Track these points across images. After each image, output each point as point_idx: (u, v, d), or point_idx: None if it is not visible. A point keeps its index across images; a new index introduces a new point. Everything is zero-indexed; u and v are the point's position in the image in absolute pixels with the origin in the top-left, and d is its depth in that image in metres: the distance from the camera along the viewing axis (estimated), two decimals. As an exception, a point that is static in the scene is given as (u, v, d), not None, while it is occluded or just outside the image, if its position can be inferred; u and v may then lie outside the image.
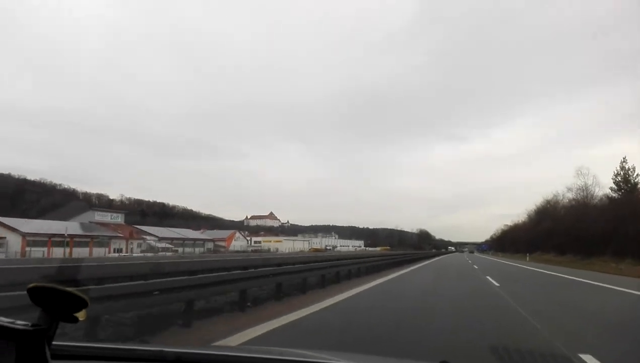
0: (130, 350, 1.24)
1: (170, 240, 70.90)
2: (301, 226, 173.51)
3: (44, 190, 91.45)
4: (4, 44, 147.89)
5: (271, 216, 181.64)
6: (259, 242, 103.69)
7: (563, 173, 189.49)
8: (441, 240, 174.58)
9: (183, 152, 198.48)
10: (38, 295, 0.77)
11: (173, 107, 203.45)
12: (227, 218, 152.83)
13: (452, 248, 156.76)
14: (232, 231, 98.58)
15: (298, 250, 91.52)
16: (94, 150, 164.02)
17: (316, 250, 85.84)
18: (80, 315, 0.81)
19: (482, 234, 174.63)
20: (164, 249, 61.55)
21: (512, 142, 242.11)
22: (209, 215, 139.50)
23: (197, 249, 72.36)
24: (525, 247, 63.23)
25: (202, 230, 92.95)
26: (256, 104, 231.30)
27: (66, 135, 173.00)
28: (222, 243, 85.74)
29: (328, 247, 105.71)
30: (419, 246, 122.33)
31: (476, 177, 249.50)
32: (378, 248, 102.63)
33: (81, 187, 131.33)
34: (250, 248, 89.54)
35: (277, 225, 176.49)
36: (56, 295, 0.77)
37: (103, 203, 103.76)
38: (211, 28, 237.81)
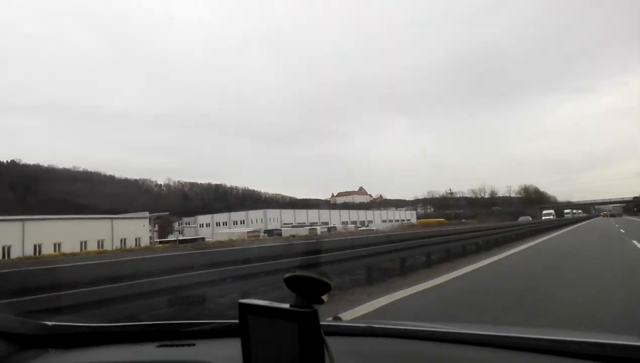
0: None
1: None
2: (395, 200, 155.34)
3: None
4: (124, 57, 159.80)
5: (361, 191, 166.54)
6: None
7: None
8: (568, 202, 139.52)
9: (290, 140, 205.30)
10: (292, 283, 0.88)
11: (278, 100, 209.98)
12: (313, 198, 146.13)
13: (575, 211, 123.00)
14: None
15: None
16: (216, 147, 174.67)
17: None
18: (325, 297, 0.89)
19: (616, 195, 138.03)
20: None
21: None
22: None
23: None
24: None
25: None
26: (358, 84, 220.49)
27: (187, 134, 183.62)
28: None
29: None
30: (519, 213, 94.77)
31: (607, 133, 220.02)
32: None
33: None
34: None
35: (368, 200, 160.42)
36: (305, 282, 0.87)
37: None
38: (302, 18, 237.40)
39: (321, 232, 56.82)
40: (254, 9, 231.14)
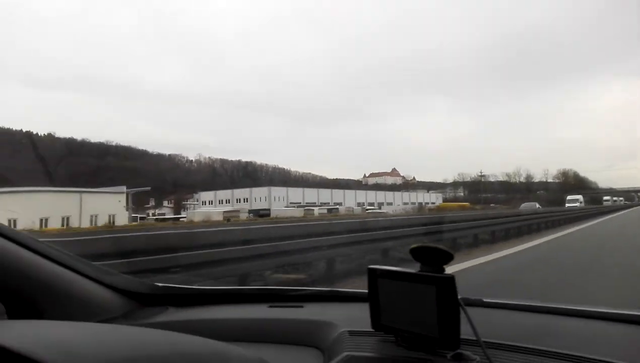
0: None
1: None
2: (428, 182, 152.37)
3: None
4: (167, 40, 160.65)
5: (393, 173, 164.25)
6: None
7: None
8: (610, 189, 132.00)
9: (325, 119, 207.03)
10: (417, 253, 0.96)
11: (316, 78, 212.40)
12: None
13: (616, 199, 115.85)
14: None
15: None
16: (250, 124, 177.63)
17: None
18: (445, 267, 0.95)
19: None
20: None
21: None
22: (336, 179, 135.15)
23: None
24: None
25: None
26: (395, 64, 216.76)
27: (227, 112, 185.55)
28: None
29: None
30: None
31: None
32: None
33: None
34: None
35: (400, 182, 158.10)
36: (429, 252, 0.94)
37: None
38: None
39: (319, 214, 52.89)
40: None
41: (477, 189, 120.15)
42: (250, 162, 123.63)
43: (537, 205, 46.59)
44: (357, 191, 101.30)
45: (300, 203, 73.32)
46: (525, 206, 44.93)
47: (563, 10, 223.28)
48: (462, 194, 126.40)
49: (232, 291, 1.71)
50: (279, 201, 75.59)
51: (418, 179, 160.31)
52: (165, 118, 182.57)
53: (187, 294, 1.58)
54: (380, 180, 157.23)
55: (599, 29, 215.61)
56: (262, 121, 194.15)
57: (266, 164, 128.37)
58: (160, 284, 1.54)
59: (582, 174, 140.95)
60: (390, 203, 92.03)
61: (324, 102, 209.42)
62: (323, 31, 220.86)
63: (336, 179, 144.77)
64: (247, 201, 79.11)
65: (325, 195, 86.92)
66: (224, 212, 54.13)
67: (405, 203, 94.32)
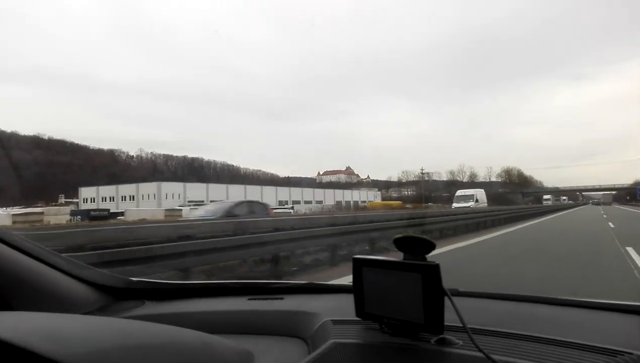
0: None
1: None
2: (384, 181, 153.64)
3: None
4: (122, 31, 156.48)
5: (347, 171, 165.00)
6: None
7: None
8: (556, 188, 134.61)
9: (281, 115, 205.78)
10: (400, 243, 1.01)
11: (280, 74, 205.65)
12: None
13: (560, 198, 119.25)
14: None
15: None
16: (210, 119, 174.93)
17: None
18: (427, 256, 0.99)
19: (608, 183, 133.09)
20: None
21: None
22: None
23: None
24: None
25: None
26: (351, 61, 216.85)
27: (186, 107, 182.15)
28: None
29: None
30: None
31: (603, 122, 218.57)
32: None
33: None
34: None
35: (355, 181, 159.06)
36: (412, 242, 0.99)
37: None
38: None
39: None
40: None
41: (421, 187, 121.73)
42: (197, 158, 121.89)
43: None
44: (304, 189, 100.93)
45: (203, 202, 62.85)
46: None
47: (510, 15, 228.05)
48: (406, 193, 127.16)
49: (210, 285, 1.66)
50: (174, 199, 66.97)
51: (373, 177, 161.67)
52: (117, 112, 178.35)
53: (164, 288, 1.55)
54: (334, 178, 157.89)
55: (550, 34, 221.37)
56: (220, 117, 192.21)
57: (214, 161, 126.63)
58: (135, 279, 1.52)
59: (526, 172, 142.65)
60: (320, 201, 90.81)
61: (282, 98, 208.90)
62: (282, 27, 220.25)
63: (288, 176, 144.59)
64: (133, 199, 71.62)
65: (270, 193, 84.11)
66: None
67: (339, 201, 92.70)
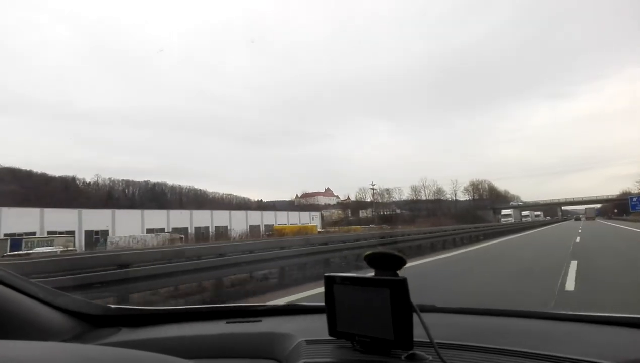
0: None
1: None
2: (367, 201, 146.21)
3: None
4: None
5: (327, 192, 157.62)
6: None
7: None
8: (535, 203, 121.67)
9: (264, 139, 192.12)
10: (371, 260, 1.01)
11: (261, 99, 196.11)
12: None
13: (535, 214, 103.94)
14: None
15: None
16: (179, 144, 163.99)
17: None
18: (399, 272, 0.99)
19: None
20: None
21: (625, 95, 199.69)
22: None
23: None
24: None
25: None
26: (330, 85, 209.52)
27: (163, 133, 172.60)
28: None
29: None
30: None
31: (582, 138, 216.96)
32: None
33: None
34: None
35: (334, 202, 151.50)
36: (383, 258, 1.00)
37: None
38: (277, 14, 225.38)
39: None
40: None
41: (385, 205, 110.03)
42: (159, 183, 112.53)
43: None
44: (278, 212, 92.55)
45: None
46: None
47: (493, 34, 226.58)
48: (365, 215, 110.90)
49: (187, 310, 1.64)
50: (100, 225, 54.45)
51: (354, 198, 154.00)
52: (82, 138, 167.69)
53: (141, 314, 1.53)
54: (312, 200, 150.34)
55: (527, 54, 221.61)
56: (189, 141, 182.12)
57: (179, 185, 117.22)
58: (113, 306, 1.51)
59: (502, 187, 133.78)
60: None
61: (258, 122, 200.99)
62: (259, 51, 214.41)
63: (260, 200, 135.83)
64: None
65: (222, 218, 76.17)
66: None
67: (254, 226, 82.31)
